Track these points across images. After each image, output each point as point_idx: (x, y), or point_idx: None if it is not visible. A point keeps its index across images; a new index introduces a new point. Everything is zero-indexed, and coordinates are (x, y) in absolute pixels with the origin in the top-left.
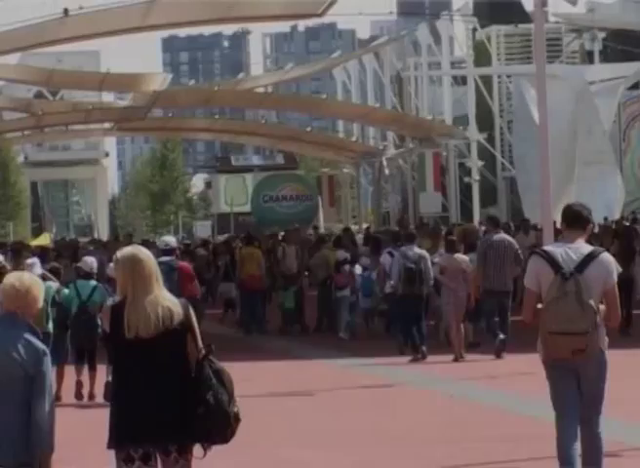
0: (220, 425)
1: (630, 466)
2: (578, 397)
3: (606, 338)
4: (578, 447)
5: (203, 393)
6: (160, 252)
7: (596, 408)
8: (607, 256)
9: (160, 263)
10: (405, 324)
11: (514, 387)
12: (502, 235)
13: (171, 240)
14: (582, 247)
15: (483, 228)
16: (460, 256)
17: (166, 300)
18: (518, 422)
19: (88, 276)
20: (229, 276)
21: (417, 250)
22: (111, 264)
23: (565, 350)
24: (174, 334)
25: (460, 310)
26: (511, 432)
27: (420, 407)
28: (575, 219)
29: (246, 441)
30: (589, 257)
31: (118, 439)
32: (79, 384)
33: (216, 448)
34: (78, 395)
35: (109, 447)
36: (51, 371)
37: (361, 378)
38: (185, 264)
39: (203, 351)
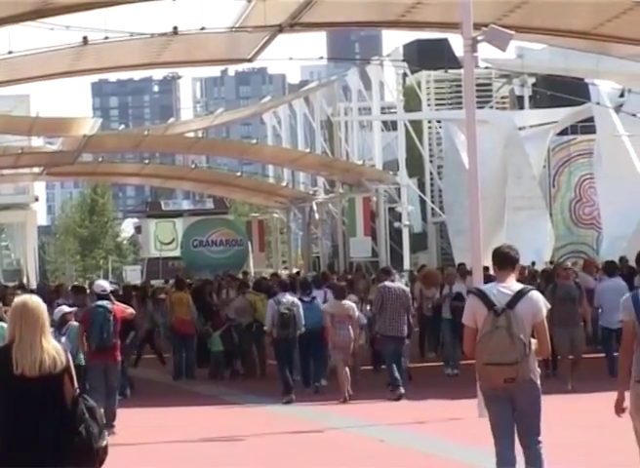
0: (89, 456)
1: None
2: (513, 423)
3: (538, 370)
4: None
5: (77, 426)
6: (96, 296)
7: (533, 432)
8: (536, 294)
9: (98, 306)
10: (282, 366)
11: (444, 432)
12: (397, 283)
13: (106, 285)
14: (513, 285)
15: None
16: (348, 303)
17: (51, 349)
18: (445, 466)
19: None
20: None
21: (289, 297)
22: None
23: (497, 379)
24: (55, 377)
25: (346, 353)
26: None
27: (350, 452)
28: (504, 260)
29: None
30: (519, 294)
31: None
32: None
33: None
34: None
35: None
36: None
37: (291, 424)
38: (119, 307)
39: (77, 390)
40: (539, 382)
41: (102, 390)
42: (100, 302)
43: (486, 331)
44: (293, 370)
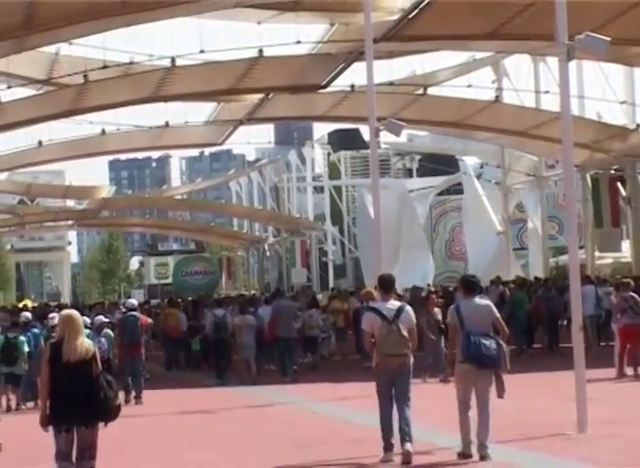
0: (109, 409)
1: (439, 460)
2: (392, 393)
3: (412, 357)
4: (393, 422)
5: (100, 391)
6: (127, 309)
7: (406, 399)
8: (409, 308)
9: (130, 316)
10: (215, 358)
11: (357, 405)
12: (288, 301)
13: (135, 303)
14: (395, 303)
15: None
16: (249, 317)
17: (85, 343)
18: (359, 429)
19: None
20: None
21: (220, 310)
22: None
23: (394, 364)
24: (87, 361)
25: (251, 351)
26: (355, 436)
27: (289, 420)
28: (388, 286)
29: (160, 445)
30: (400, 309)
31: (52, 420)
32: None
33: (136, 450)
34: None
35: (48, 424)
36: None
37: (249, 400)
38: (144, 317)
39: (100, 368)
40: (412, 366)
41: (130, 374)
42: (131, 313)
43: (383, 334)
44: (227, 363)
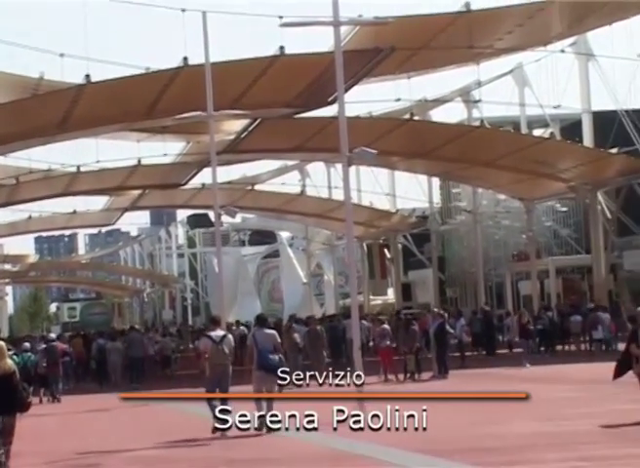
0: (24, 405)
1: (246, 433)
2: (216, 390)
3: (230, 366)
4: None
5: (19, 393)
6: (49, 340)
7: (226, 389)
8: (230, 335)
9: (50, 346)
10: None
11: (203, 403)
12: (136, 333)
13: (54, 336)
14: (221, 332)
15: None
16: (117, 343)
17: (8, 362)
18: (206, 420)
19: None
20: None
21: (103, 340)
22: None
23: (218, 370)
24: (10, 374)
25: (115, 368)
26: (204, 425)
27: (161, 417)
28: (216, 322)
29: (64, 433)
30: (224, 336)
31: None
32: None
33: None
34: None
35: None
36: None
37: (136, 404)
38: (61, 345)
39: (19, 378)
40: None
41: (52, 384)
42: (51, 343)
43: (214, 351)
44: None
